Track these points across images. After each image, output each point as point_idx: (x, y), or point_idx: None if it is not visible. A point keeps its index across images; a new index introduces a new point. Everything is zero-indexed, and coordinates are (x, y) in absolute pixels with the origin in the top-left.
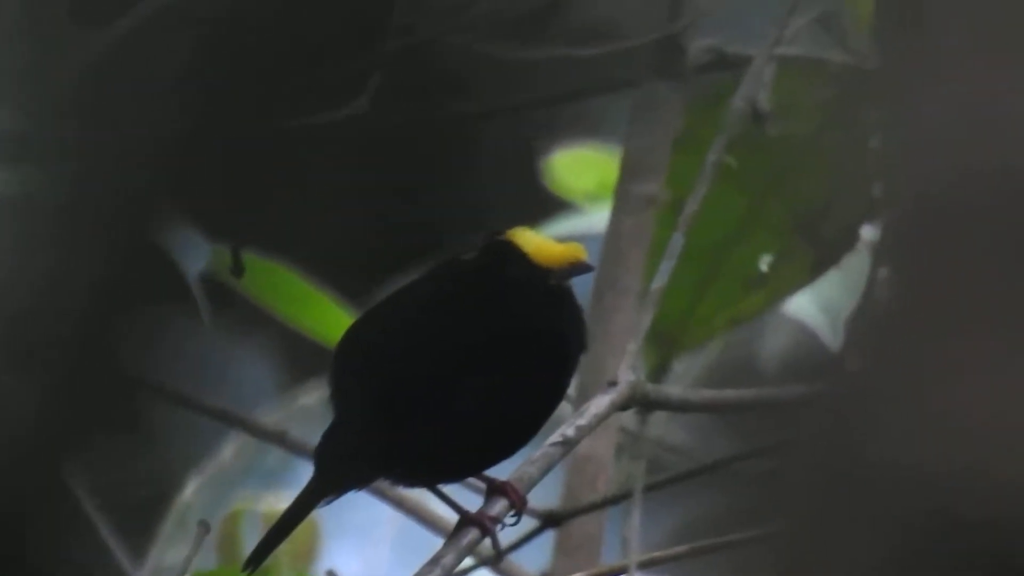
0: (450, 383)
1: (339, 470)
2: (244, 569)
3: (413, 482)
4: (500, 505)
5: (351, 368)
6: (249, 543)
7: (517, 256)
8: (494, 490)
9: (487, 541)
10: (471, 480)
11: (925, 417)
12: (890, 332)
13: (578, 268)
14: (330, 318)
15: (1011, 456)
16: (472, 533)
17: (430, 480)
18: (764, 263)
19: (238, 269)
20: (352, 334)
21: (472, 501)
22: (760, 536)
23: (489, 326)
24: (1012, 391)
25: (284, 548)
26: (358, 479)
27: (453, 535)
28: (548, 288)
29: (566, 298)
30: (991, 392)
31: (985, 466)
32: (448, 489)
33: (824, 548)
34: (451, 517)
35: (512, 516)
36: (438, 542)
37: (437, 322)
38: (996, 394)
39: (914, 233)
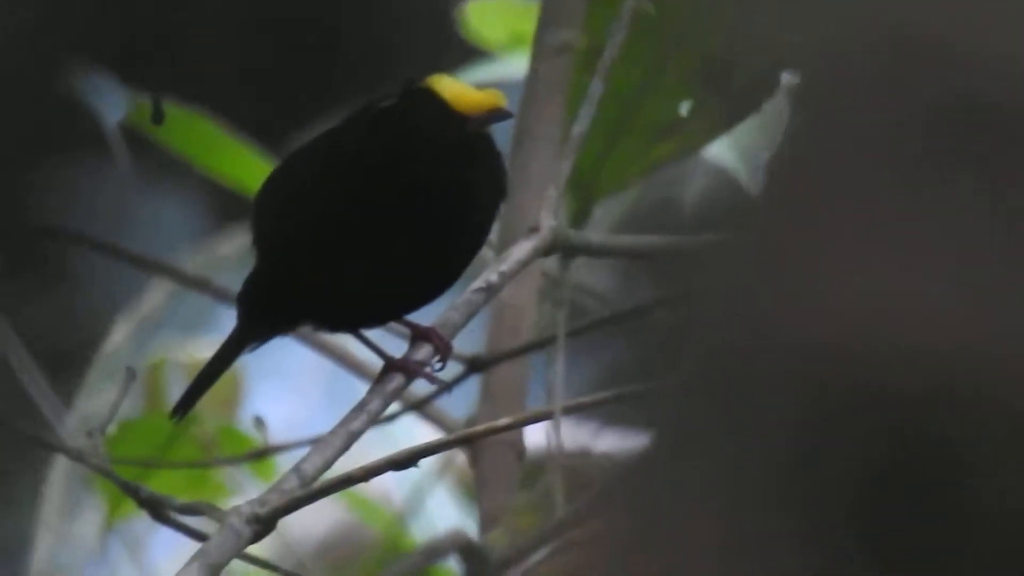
0: (364, 226)
1: (262, 316)
2: (171, 417)
3: (335, 326)
4: (424, 351)
5: (271, 213)
6: (173, 391)
7: (435, 103)
8: (418, 335)
9: (413, 387)
10: (397, 327)
11: (814, 290)
12: (794, 192)
13: (497, 115)
14: (248, 166)
15: (904, 332)
16: (397, 379)
17: (352, 324)
18: (684, 108)
19: (158, 116)
20: (272, 179)
21: (398, 348)
22: (667, 389)
23: (402, 171)
24: (904, 268)
25: (207, 395)
26: (281, 324)
27: (378, 381)
28: (464, 134)
29: (483, 145)
30: (883, 268)
31: (878, 340)
32: (373, 336)
33: (722, 418)
34: (377, 363)
35: (437, 362)
36: (364, 387)
37: (352, 167)
38: (889, 270)
39: (824, 87)
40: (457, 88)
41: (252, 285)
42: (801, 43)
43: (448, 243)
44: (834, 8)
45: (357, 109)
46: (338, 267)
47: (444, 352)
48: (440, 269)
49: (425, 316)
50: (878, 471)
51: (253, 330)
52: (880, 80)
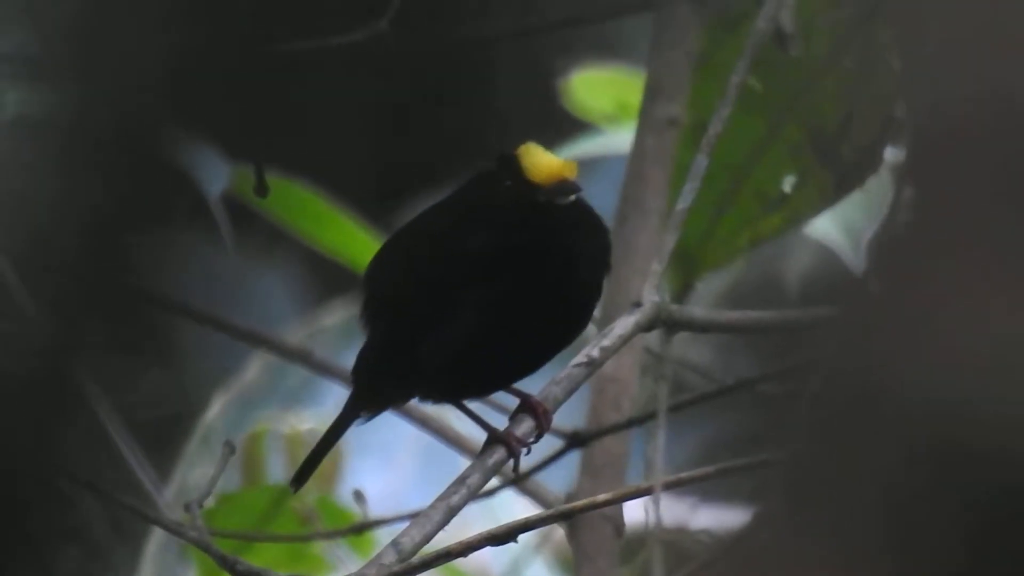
0: (460, 296)
1: (375, 387)
2: (291, 487)
3: (440, 397)
4: (526, 425)
5: (379, 285)
6: (271, 464)
7: (515, 170)
8: (524, 407)
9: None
10: (495, 399)
11: (934, 345)
12: (908, 256)
13: (565, 187)
14: (351, 239)
15: (1017, 387)
16: (499, 452)
17: (455, 395)
18: (787, 184)
19: (262, 188)
20: (381, 252)
21: (499, 421)
22: (780, 458)
23: (485, 239)
24: (1017, 320)
25: None
26: (392, 395)
27: (481, 454)
28: (534, 203)
29: (583, 217)
30: (1001, 324)
31: (991, 396)
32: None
33: (835, 472)
34: (474, 437)
35: (529, 443)
36: (461, 462)
37: (445, 236)
38: (1006, 325)
39: (934, 154)
40: (538, 158)
41: (363, 357)
42: (906, 116)
43: (546, 313)
44: (938, 77)
45: (468, 177)
46: (434, 338)
47: (543, 427)
48: (541, 340)
49: (527, 390)
50: (985, 525)
51: (366, 402)
52: (990, 139)
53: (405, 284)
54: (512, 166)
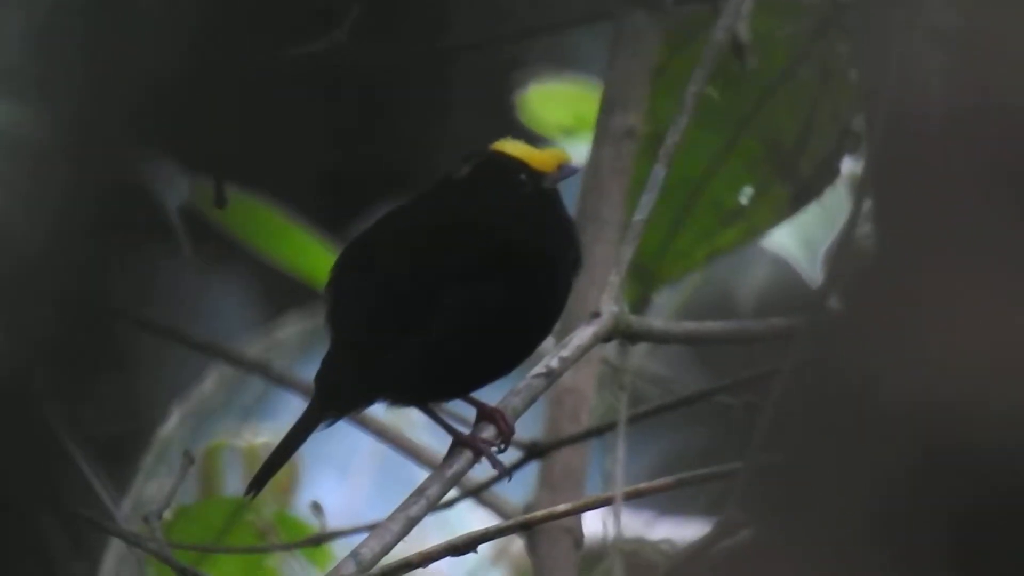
0: (436, 295)
1: (339, 392)
2: (246, 494)
3: (407, 400)
4: (489, 431)
5: (344, 287)
6: (229, 477)
7: (512, 163)
8: (484, 415)
9: (470, 472)
10: (456, 412)
11: (914, 351)
12: (876, 265)
13: (567, 170)
14: (308, 252)
15: (998, 387)
16: (457, 464)
17: (423, 396)
18: (744, 196)
19: (221, 200)
20: (345, 255)
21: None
22: (742, 468)
23: (478, 237)
24: (999, 325)
25: None
26: (357, 399)
27: (445, 460)
28: (543, 193)
29: (553, 211)
30: (979, 326)
31: (972, 397)
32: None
33: (815, 480)
34: (432, 448)
35: (499, 445)
36: (419, 474)
37: (423, 237)
38: (984, 328)
39: (897, 166)
40: (525, 149)
41: (329, 362)
42: (866, 128)
43: (521, 314)
44: (901, 89)
45: (432, 182)
46: (407, 336)
47: (507, 435)
48: (520, 339)
49: (485, 400)
50: (974, 517)
51: (329, 407)
52: (965, 141)
53: (378, 284)
54: (505, 161)
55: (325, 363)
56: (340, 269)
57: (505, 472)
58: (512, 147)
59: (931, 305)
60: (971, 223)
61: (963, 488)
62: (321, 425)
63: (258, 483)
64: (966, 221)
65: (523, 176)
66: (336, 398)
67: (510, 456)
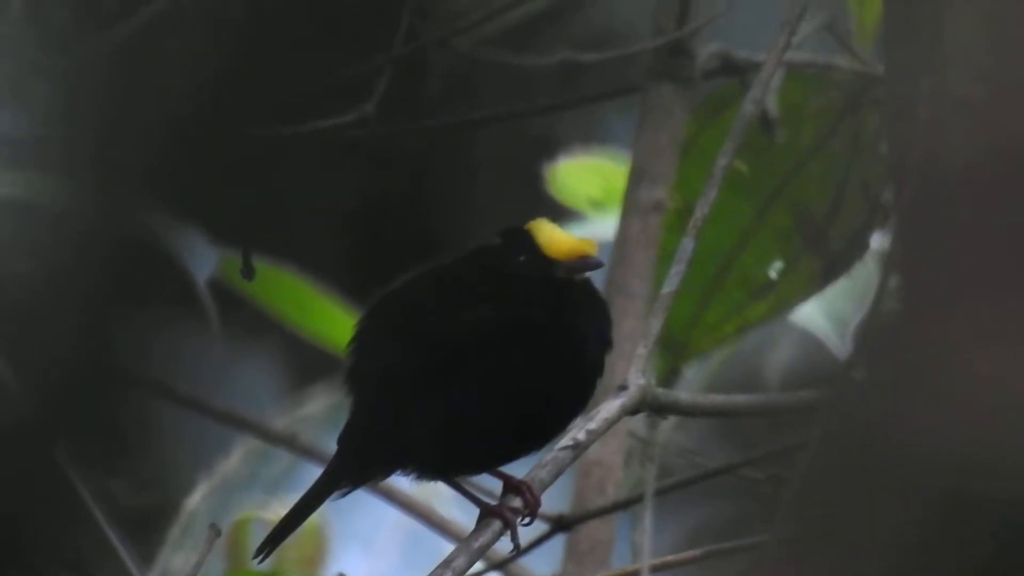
0: (451, 367)
1: (360, 457)
2: (256, 555)
3: (430, 472)
4: (516, 503)
5: (366, 352)
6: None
7: (530, 245)
8: (510, 488)
9: (496, 546)
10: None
11: (938, 405)
12: (903, 323)
13: (586, 263)
14: (336, 324)
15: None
16: (484, 536)
17: (446, 470)
18: (773, 270)
19: (248, 271)
20: (367, 319)
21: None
22: (769, 540)
23: (488, 313)
24: (1018, 378)
25: (292, 553)
26: (378, 467)
27: (473, 532)
28: (553, 279)
29: (579, 291)
30: (1002, 377)
31: (997, 447)
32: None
33: (848, 520)
34: (459, 521)
35: (525, 518)
36: (445, 547)
37: (440, 308)
38: (1007, 379)
39: (923, 228)
40: (553, 233)
41: (352, 426)
42: (894, 195)
43: (542, 388)
44: (925, 153)
45: (459, 253)
46: (426, 409)
47: (533, 508)
48: (537, 415)
49: (513, 473)
50: (999, 567)
51: (348, 472)
52: (990, 190)
53: (396, 353)
54: (525, 240)
55: (348, 426)
56: (362, 332)
57: (518, 546)
58: (541, 229)
59: (954, 357)
60: (993, 280)
61: (987, 537)
62: (339, 491)
63: (269, 544)
64: (989, 278)
65: (524, 260)
66: (355, 465)
67: (537, 529)
